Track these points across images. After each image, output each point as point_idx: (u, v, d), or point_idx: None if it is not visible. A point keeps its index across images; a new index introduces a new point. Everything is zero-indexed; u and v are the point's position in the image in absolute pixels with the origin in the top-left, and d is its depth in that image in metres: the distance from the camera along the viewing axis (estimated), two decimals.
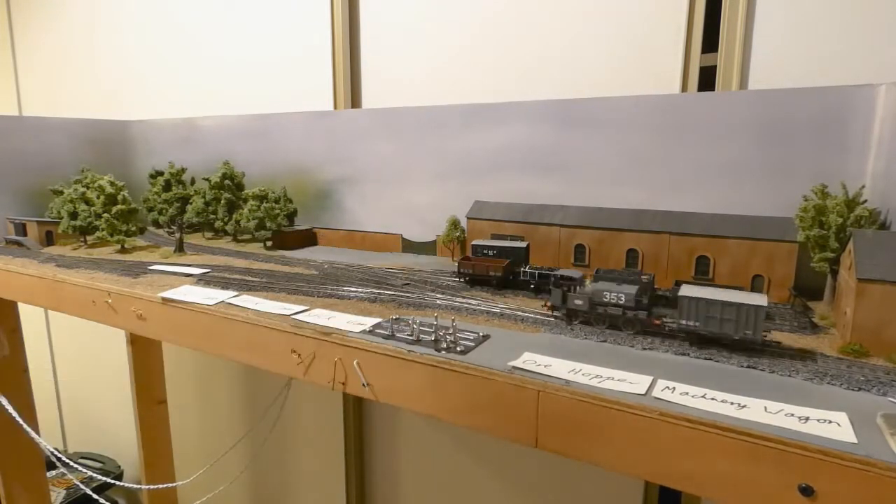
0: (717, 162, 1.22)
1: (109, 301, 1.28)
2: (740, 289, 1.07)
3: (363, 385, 0.91)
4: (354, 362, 0.91)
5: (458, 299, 1.17)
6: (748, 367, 0.80)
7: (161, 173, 2.02)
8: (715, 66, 1.31)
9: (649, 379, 0.75)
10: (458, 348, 0.87)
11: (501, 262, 1.25)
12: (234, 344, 1.09)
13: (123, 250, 1.72)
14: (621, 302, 0.96)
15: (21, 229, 1.84)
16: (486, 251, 1.24)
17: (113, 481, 2.67)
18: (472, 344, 0.89)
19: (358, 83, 1.87)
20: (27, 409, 1.82)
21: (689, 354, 0.85)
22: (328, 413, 2.12)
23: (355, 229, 1.75)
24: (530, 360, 0.81)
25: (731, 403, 0.67)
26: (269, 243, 1.77)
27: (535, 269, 1.21)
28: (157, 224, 2.04)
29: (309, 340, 0.97)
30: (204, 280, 1.33)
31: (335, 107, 1.89)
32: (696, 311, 0.88)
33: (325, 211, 1.80)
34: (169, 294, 1.19)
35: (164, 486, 2.11)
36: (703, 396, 0.69)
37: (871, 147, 1.07)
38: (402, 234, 1.66)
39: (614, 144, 1.31)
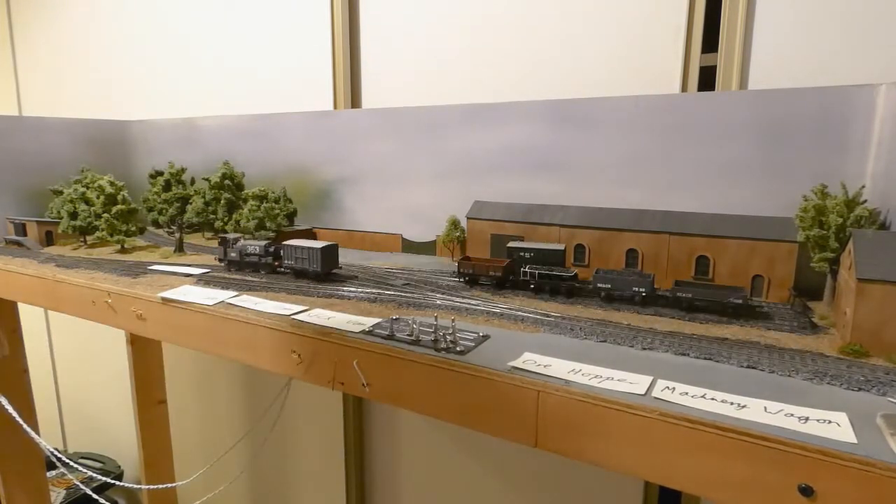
0: (718, 162, 1.22)
1: (109, 301, 1.28)
2: (740, 289, 1.07)
3: (363, 385, 0.91)
4: (354, 362, 0.91)
5: (457, 299, 1.17)
6: (748, 367, 0.80)
7: (161, 173, 2.02)
8: (715, 66, 1.31)
9: (649, 379, 0.75)
10: (458, 348, 0.87)
11: (501, 262, 1.25)
12: (234, 344, 1.09)
13: (123, 250, 1.72)
14: (257, 252, 1.40)
15: (21, 229, 1.84)
16: (522, 253, 1.24)
17: (113, 481, 2.67)
18: (472, 344, 0.89)
19: (358, 83, 1.87)
20: (27, 409, 1.82)
21: (688, 355, 0.85)
22: (328, 413, 2.12)
23: (355, 229, 1.75)
24: (530, 360, 0.81)
25: (731, 403, 0.67)
26: None
27: (534, 268, 1.21)
28: (157, 224, 2.04)
29: (309, 340, 0.97)
30: (204, 280, 1.33)
31: (335, 107, 1.89)
32: (293, 254, 1.35)
33: (325, 211, 1.80)
34: (169, 294, 1.19)
35: (164, 486, 2.11)
36: (703, 396, 0.69)
37: (871, 147, 1.07)
38: (402, 234, 1.66)
39: (614, 144, 1.31)
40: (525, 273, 1.22)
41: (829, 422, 0.63)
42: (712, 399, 0.69)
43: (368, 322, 0.99)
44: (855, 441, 0.59)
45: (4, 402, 1.50)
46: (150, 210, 2.03)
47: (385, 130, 1.64)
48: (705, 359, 0.84)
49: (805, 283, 1.13)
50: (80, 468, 1.99)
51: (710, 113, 1.21)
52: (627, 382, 0.74)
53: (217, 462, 2.02)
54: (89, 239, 1.82)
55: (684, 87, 1.36)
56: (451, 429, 1.86)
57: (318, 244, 1.33)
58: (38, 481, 1.96)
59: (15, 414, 1.49)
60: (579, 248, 1.34)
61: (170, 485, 2.15)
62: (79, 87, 2.75)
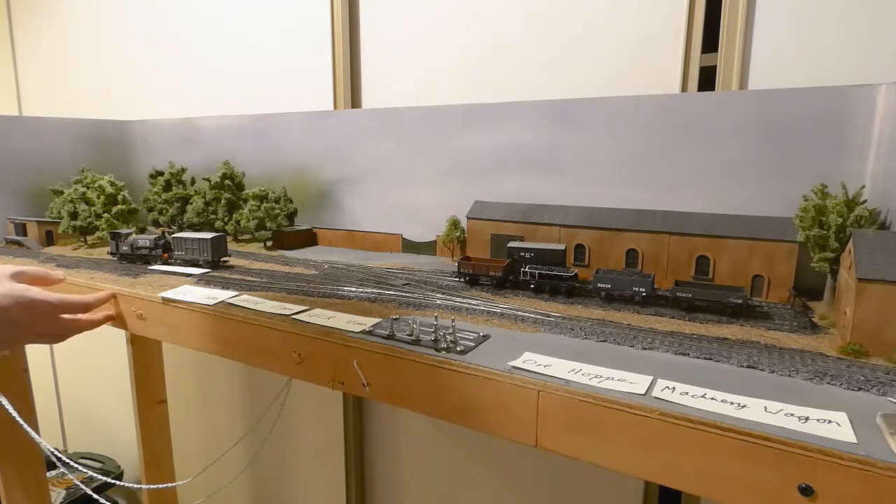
0: (717, 162, 1.22)
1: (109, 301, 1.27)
2: (740, 289, 1.07)
3: (363, 385, 0.91)
4: (354, 362, 0.91)
5: (457, 299, 1.17)
6: (748, 367, 0.80)
7: (161, 173, 2.02)
8: (715, 66, 1.31)
9: (649, 379, 0.75)
10: (458, 348, 0.87)
11: (501, 262, 1.25)
12: (234, 344, 1.09)
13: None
14: (147, 245, 1.50)
15: (21, 229, 1.84)
16: (522, 253, 1.24)
17: (113, 481, 2.67)
18: (472, 344, 0.89)
19: (358, 83, 1.87)
20: (27, 409, 1.82)
21: (688, 354, 0.85)
22: (328, 413, 2.12)
23: (355, 229, 1.75)
24: (530, 360, 0.81)
25: (731, 403, 0.67)
26: (269, 243, 1.77)
27: (535, 268, 1.21)
28: (157, 224, 2.04)
29: (309, 340, 0.97)
30: (204, 280, 1.33)
31: (335, 107, 1.89)
32: (184, 246, 1.48)
33: (325, 211, 1.80)
34: (169, 294, 1.19)
35: (164, 486, 2.11)
36: (703, 396, 0.69)
37: (871, 147, 1.07)
38: (402, 233, 1.66)
39: (614, 144, 1.31)
40: (525, 273, 1.22)
41: (829, 421, 0.63)
42: (712, 399, 0.69)
43: (368, 322, 0.99)
44: (855, 441, 0.59)
45: (4, 402, 1.50)
46: (151, 210, 2.03)
47: (385, 130, 1.64)
48: (705, 359, 0.84)
49: (805, 283, 1.13)
50: (80, 468, 1.99)
51: (710, 113, 1.21)
52: (627, 382, 0.74)
53: (217, 462, 2.02)
54: (90, 239, 1.82)
55: (684, 87, 1.36)
56: (451, 429, 1.86)
57: (208, 235, 1.48)
58: (38, 481, 1.96)
59: (15, 414, 1.49)
60: (579, 248, 1.34)
61: (170, 485, 2.15)
62: (79, 87, 2.75)
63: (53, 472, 2.70)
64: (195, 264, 1.47)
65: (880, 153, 1.04)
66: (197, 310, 1.13)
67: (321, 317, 1.02)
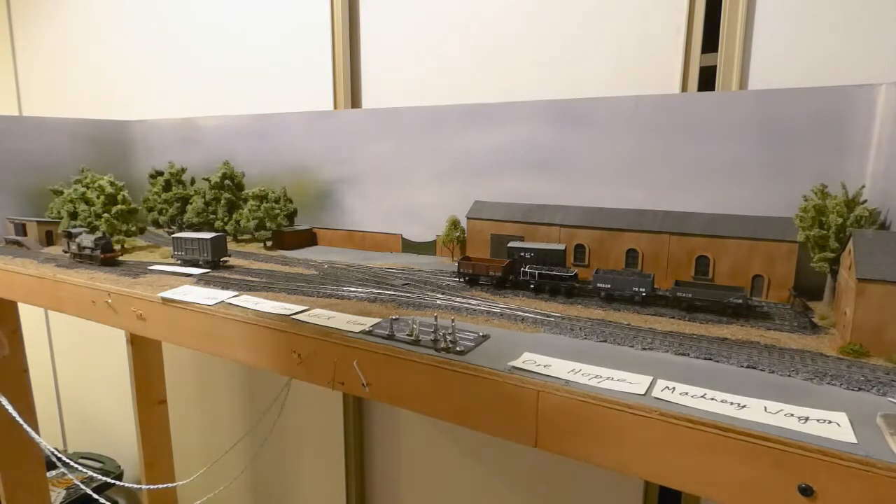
0: (718, 162, 1.22)
1: (109, 301, 1.28)
2: (740, 289, 1.07)
3: (363, 385, 0.91)
4: (354, 362, 0.91)
5: (457, 299, 1.17)
6: (748, 367, 0.80)
7: (161, 173, 2.02)
8: (715, 66, 1.31)
9: (649, 379, 0.75)
10: (458, 348, 0.87)
11: (501, 262, 1.25)
12: (234, 344, 1.09)
13: (123, 250, 1.72)
14: (90, 244, 1.50)
15: (21, 229, 1.84)
16: (522, 253, 1.24)
17: (113, 481, 2.67)
18: (472, 344, 0.89)
19: (358, 83, 1.87)
20: (27, 409, 1.82)
21: (688, 355, 0.85)
22: (328, 413, 2.12)
23: (355, 229, 1.75)
24: (530, 360, 0.81)
25: (731, 403, 0.67)
26: (269, 243, 1.77)
27: (535, 268, 1.21)
28: (157, 224, 2.04)
29: (309, 340, 0.97)
30: (204, 280, 1.33)
31: (335, 107, 1.89)
32: (184, 245, 1.49)
33: (325, 211, 1.80)
34: (169, 294, 1.19)
35: (164, 486, 2.11)
36: (703, 396, 0.69)
37: (871, 147, 1.07)
38: (402, 234, 1.66)
39: (614, 144, 1.31)
40: (525, 273, 1.22)
41: (829, 422, 0.63)
42: (712, 399, 0.69)
43: (368, 322, 0.99)
44: (855, 441, 0.59)
45: (4, 402, 1.50)
46: (150, 210, 2.03)
47: (385, 130, 1.64)
48: (705, 359, 0.84)
49: (805, 283, 1.13)
50: (80, 468, 1.99)
51: (710, 113, 1.21)
52: (627, 382, 0.74)
53: (217, 462, 2.02)
54: None
55: (684, 87, 1.36)
56: (451, 429, 1.86)
57: (208, 235, 1.47)
58: (38, 481, 1.96)
59: (15, 414, 1.50)
60: (579, 248, 1.34)
61: (170, 485, 2.15)
62: (79, 87, 2.75)
63: (53, 472, 2.70)
64: (195, 264, 1.47)
65: (880, 153, 1.04)
66: (197, 310, 1.13)
67: (321, 317, 1.02)
